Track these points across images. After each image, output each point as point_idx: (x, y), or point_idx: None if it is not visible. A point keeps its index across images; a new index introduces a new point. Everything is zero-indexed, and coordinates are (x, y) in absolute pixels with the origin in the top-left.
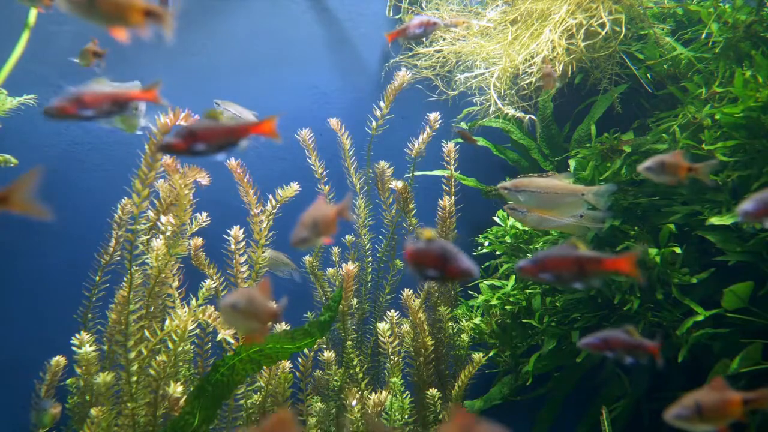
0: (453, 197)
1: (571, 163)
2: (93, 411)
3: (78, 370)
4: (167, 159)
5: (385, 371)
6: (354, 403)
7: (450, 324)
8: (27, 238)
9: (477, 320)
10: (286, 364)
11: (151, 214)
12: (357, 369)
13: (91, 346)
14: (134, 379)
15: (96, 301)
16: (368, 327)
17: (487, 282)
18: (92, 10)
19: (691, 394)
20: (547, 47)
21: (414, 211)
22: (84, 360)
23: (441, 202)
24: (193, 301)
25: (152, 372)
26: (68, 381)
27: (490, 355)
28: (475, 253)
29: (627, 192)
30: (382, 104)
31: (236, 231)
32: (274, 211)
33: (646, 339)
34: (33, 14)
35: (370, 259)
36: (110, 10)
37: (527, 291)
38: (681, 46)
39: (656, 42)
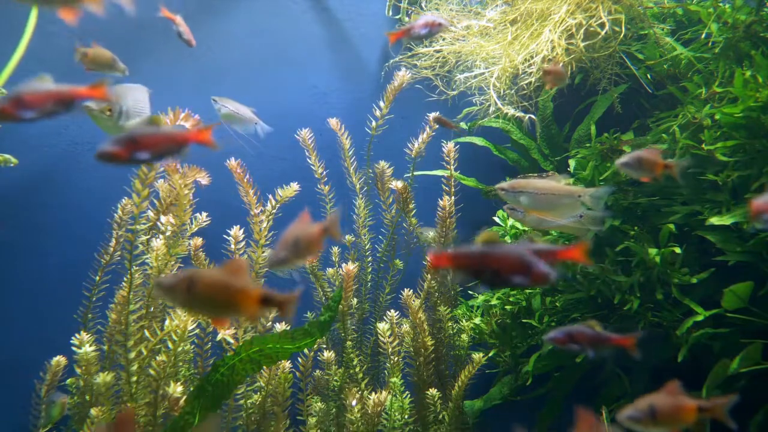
0: (453, 197)
1: (571, 163)
2: (93, 411)
3: (78, 370)
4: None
5: (385, 371)
6: (354, 403)
7: (450, 324)
8: (27, 238)
9: (477, 320)
10: (286, 364)
11: (151, 214)
12: (357, 369)
13: (91, 346)
14: (134, 379)
15: (96, 301)
16: (368, 327)
17: None
18: None
19: (647, 397)
20: (547, 47)
21: (414, 211)
22: (84, 360)
23: (441, 202)
24: None
25: (152, 372)
26: (68, 381)
27: (490, 355)
28: None
29: (627, 192)
30: (381, 104)
31: (236, 231)
32: (274, 211)
33: (613, 333)
34: (33, 15)
35: (370, 259)
36: None
37: (527, 291)
38: (681, 46)
39: (656, 42)
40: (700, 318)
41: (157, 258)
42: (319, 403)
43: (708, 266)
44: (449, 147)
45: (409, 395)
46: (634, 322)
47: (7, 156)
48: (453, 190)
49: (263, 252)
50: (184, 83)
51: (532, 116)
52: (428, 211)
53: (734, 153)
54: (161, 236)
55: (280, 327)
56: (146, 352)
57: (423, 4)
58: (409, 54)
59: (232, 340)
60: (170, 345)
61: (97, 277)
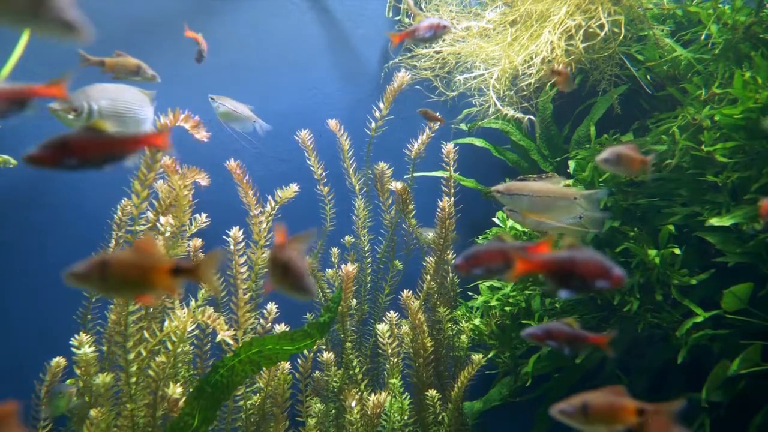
0: (452, 198)
1: (571, 164)
2: (92, 412)
3: (77, 371)
4: (167, 160)
5: (385, 372)
6: (353, 404)
7: (449, 325)
8: (27, 238)
9: (476, 321)
10: (286, 366)
11: (150, 215)
12: (356, 370)
13: (90, 347)
14: (133, 380)
15: (95, 302)
16: (367, 328)
17: (487, 283)
18: None
19: (585, 393)
20: (547, 48)
21: (413, 212)
22: (83, 361)
23: (440, 203)
24: (193, 303)
25: (151, 373)
26: (67, 382)
27: (490, 356)
28: None
29: (627, 193)
30: (381, 105)
31: (235, 232)
32: (274, 212)
33: (589, 332)
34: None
35: (369, 260)
36: None
37: (527, 292)
38: (680, 47)
39: (656, 43)
40: (699, 319)
41: None
42: (318, 405)
43: (708, 267)
44: (449, 148)
45: (408, 396)
46: (634, 323)
47: (7, 157)
48: (452, 191)
49: (263, 253)
50: (183, 84)
51: (532, 117)
52: (428, 212)
53: (734, 154)
54: (161, 237)
55: (279, 328)
56: (145, 353)
57: (422, 6)
58: (409, 55)
59: (231, 342)
60: (169, 346)
61: None
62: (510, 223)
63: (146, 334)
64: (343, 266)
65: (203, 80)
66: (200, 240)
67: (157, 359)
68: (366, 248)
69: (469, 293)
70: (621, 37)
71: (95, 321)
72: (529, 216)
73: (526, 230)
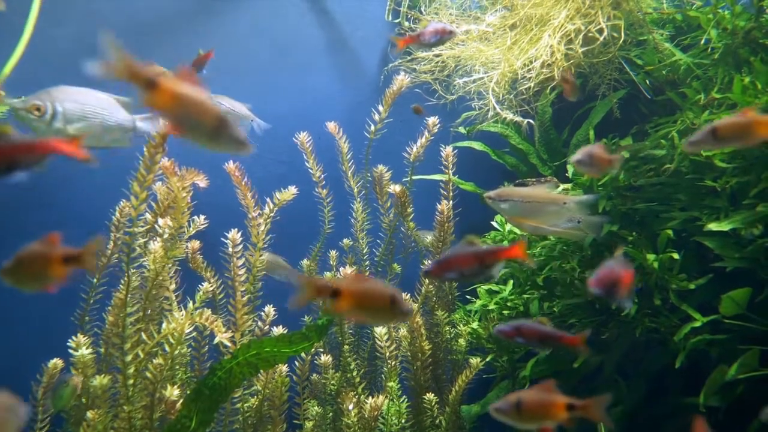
0: (451, 201)
1: (570, 168)
2: (89, 414)
3: (75, 373)
4: (165, 162)
5: (382, 375)
6: (351, 407)
7: (447, 328)
8: (25, 239)
9: (474, 325)
10: (283, 368)
11: (148, 216)
12: (354, 373)
13: (87, 348)
14: (131, 382)
15: (93, 304)
16: (365, 331)
17: (485, 287)
18: None
19: (519, 391)
20: (546, 52)
21: (412, 215)
22: (81, 362)
23: (439, 207)
24: (190, 304)
25: (149, 375)
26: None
27: (488, 359)
28: None
29: (625, 197)
30: (380, 108)
31: (234, 234)
32: (272, 214)
33: (563, 332)
34: (33, 16)
35: (367, 263)
36: None
37: (525, 296)
38: (680, 51)
39: (655, 47)
40: (697, 324)
41: (155, 261)
42: (316, 407)
43: (706, 272)
44: (448, 151)
45: (406, 399)
46: (632, 327)
47: None
48: (451, 194)
49: (261, 255)
50: None
51: (531, 121)
52: (426, 215)
53: (732, 159)
54: (159, 239)
55: (277, 331)
56: (143, 355)
57: (422, 9)
58: (409, 58)
59: (229, 344)
60: (167, 348)
61: (95, 280)
62: (508, 226)
63: (144, 336)
64: (341, 269)
65: (202, 82)
66: (198, 242)
67: (155, 361)
68: (364, 251)
69: (467, 297)
70: (620, 42)
71: (93, 322)
72: (518, 221)
73: (524, 234)
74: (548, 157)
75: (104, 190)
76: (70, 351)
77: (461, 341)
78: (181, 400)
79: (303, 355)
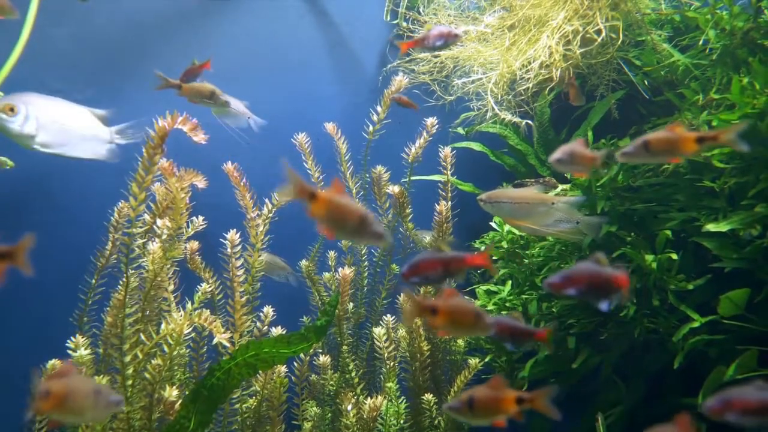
0: (450, 202)
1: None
2: None
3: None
4: (164, 163)
5: (381, 376)
6: (350, 407)
7: None
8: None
9: None
10: (282, 369)
11: (147, 217)
12: (353, 374)
13: (86, 349)
14: (129, 382)
15: (92, 304)
16: (364, 332)
17: (483, 287)
18: None
19: (471, 389)
20: (545, 53)
21: (411, 215)
22: (79, 363)
23: (437, 207)
24: (189, 305)
25: (147, 376)
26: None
27: (486, 360)
28: None
29: (624, 198)
30: (379, 109)
31: (233, 235)
32: (271, 215)
33: (531, 327)
34: (31, 16)
35: (366, 263)
36: None
37: (524, 296)
38: (678, 52)
39: (653, 48)
40: (696, 324)
41: (154, 261)
42: (314, 408)
43: (704, 273)
44: (446, 152)
45: (404, 400)
46: (630, 328)
47: (4, 158)
48: (450, 195)
49: (259, 256)
50: None
51: (530, 122)
52: (425, 216)
53: (731, 160)
54: (157, 239)
55: (276, 331)
56: (142, 356)
57: (421, 9)
58: (407, 59)
59: (228, 344)
60: (166, 349)
61: (93, 280)
62: (507, 227)
63: (143, 337)
64: (339, 270)
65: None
66: (197, 242)
67: (154, 362)
68: (363, 252)
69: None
70: (619, 42)
71: (91, 323)
72: (513, 222)
73: (523, 234)
74: (547, 157)
75: (103, 191)
76: (69, 351)
77: (460, 342)
78: (180, 401)
79: (302, 355)
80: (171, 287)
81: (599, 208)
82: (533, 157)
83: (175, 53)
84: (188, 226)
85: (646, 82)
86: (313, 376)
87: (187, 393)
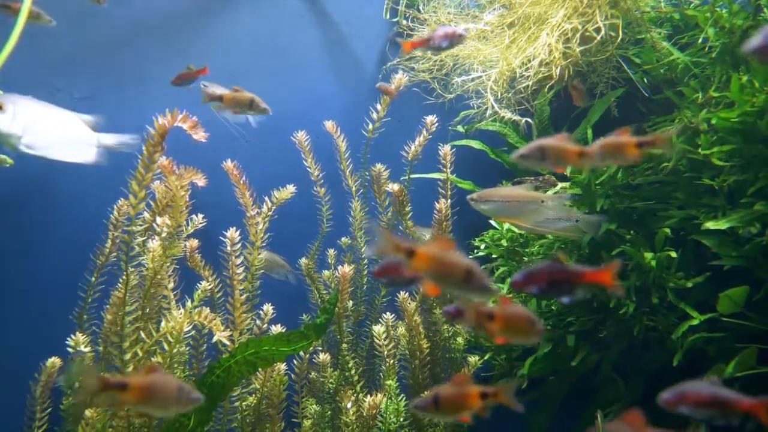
0: (449, 200)
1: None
2: (87, 412)
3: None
4: (164, 161)
5: (381, 374)
6: (349, 405)
7: (445, 327)
8: (23, 238)
9: None
10: (282, 366)
11: (147, 215)
12: (352, 371)
13: (86, 347)
14: None
15: (92, 302)
16: (364, 330)
17: None
18: None
19: (436, 387)
20: (544, 51)
21: (410, 213)
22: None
23: (437, 205)
24: (189, 303)
25: None
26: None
27: (486, 358)
28: (471, 257)
29: (623, 196)
30: (378, 107)
31: (232, 233)
32: (270, 213)
33: None
34: (26, 8)
35: (365, 261)
36: None
37: (522, 294)
38: (677, 50)
39: (653, 46)
40: (695, 322)
41: (153, 259)
42: (314, 406)
43: (703, 271)
44: (446, 150)
45: (404, 398)
46: (630, 326)
47: (3, 156)
48: (449, 193)
49: (259, 254)
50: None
51: (529, 120)
52: (424, 214)
53: (730, 157)
54: (157, 237)
55: (276, 329)
56: (142, 354)
57: (420, 7)
58: (407, 57)
59: (227, 342)
60: (166, 346)
61: (93, 278)
62: (506, 225)
63: (143, 335)
64: (339, 268)
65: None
66: (197, 240)
67: (154, 359)
68: (363, 250)
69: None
70: (618, 40)
71: (91, 321)
72: (504, 221)
73: (522, 232)
74: None
75: (103, 189)
76: (69, 349)
77: (459, 340)
78: None
79: (302, 353)
80: (171, 285)
81: (598, 206)
82: None
83: (175, 53)
84: (188, 224)
85: (645, 80)
86: (312, 373)
87: None
